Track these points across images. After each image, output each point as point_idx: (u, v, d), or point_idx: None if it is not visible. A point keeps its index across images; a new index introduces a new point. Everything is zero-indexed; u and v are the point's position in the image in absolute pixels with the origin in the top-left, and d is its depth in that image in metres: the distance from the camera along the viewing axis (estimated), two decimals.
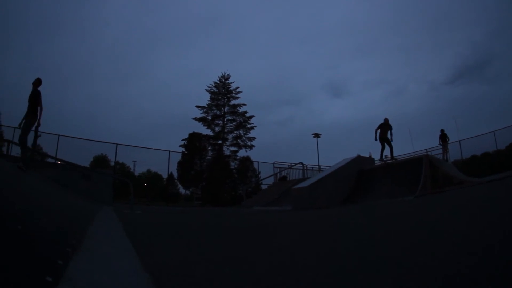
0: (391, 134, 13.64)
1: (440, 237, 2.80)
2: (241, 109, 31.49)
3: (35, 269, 1.53)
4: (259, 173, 26.52)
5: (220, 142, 30.31)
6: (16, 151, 15.63)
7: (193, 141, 28.06)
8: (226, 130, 30.86)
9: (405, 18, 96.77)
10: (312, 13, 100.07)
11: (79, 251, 2.21)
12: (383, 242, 2.94)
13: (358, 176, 12.84)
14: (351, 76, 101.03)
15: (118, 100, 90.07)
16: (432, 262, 1.97)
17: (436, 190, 9.05)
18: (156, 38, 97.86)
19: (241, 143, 30.72)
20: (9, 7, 63.72)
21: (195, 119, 30.69)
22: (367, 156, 14.62)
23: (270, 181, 22.00)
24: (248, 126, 31.32)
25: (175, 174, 27.05)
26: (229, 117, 31.36)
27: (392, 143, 13.58)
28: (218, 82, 31.87)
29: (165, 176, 23.82)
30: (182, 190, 29.89)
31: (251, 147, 30.68)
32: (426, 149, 22.66)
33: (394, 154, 13.77)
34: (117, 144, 18.84)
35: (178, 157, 25.40)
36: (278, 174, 21.58)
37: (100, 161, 25.02)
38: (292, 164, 21.77)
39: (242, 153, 30.30)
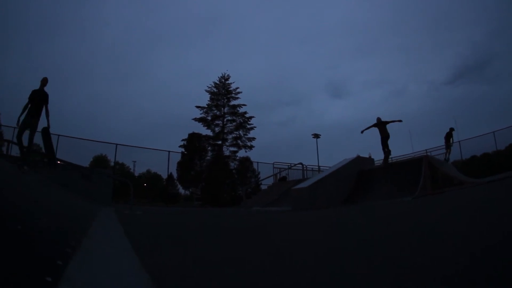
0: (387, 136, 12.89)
1: (439, 237, 2.81)
2: (241, 110, 31.52)
3: (34, 269, 1.53)
4: (259, 173, 26.51)
5: (219, 142, 30.29)
6: (16, 151, 15.64)
7: (193, 142, 28.05)
8: (226, 131, 30.84)
9: (406, 18, 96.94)
10: (312, 13, 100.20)
11: (79, 252, 2.21)
12: (382, 243, 2.94)
13: (357, 176, 12.84)
14: (351, 76, 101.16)
15: (118, 100, 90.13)
16: (430, 263, 1.97)
17: (436, 191, 9.06)
18: (156, 38, 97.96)
19: (240, 143, 30.71)
20: (9, 7, 63.68)
21: (195, 119, 30.69)
22: (367, 156, 14.62)
23: (270, 181, 21.98)
24: (248, 126, 31.30)
25: (175, 175, 27.04)
26: (229, 118, 31.34)
27: (389, 147, 12.88)
28: (218, 82, 31.88)
29: (164, 176, 23.82)
30: (181, 191, 29.88)
31: (251, 147, 30.67)
32: (426, 150, 22.69)
33: (392, 155, 13.67)
34: (116, 144, 18.84)
35: (178, 157, 25.41)
36: (278, 174, 21.58)
37: (100, 161, 25.02)
38: (292, 165, 21.77)
39: (241, 153, 30.30)
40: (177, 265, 2.49)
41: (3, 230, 1.85)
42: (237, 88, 31.78)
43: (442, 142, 17.53)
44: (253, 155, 29.71)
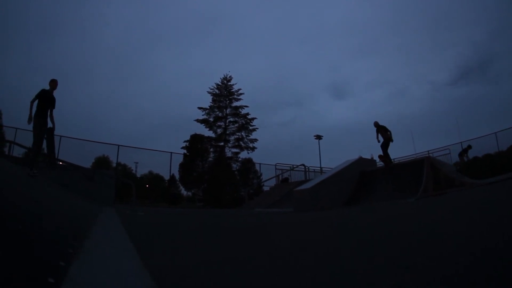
0: (389, 139, 12.59)
1: (440, 238, 2.80)
2: (243, 111, 31.56)
3: (37, 270, 1.54)
4: (261, 174, 26.50)
5: (222, 143, 30.34)
6: (17, 151, 15.68)
7: (195, 143, 28.09)
8: (228, 132, 30.90)
9: (406, 18, 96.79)
10: (313, 13, 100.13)
11: (81, 252, 2.22)
12: (382, 243, 2.94)
13: (360, 177, 12.82)
14: (353, 77, 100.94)
15: (120, 101, 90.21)
16: (430, 263, 1.97)
17: (438, 192, 9.04)
18: (157, 38, 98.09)
19: (243, 144, 30.75)
20: (9, 7, 63.94)
21: (197, 120, 30.82)
22: (369, 157, 14.60)
23: (272, 183, 22.00)
24: (250, 127, 31.35)
25: (177, 176, 27.07)
26: (231, 119, 31.40)
27: (388, 148, 12.57)
28: (220, 83, 31.96)
29: (167, 177, 23.85)
30: (184, 192, 29.90)
31: (253, 148, 30.71)
32: (428, 151, 22.65)
33: (394, 156, 13.60)
34: (118, 145, 18.88)
35: (180, 158, 25.42)
36: (280, 176, 21.58)
37: (102, 162, 25.05)
38: (294, 166, 21.77)
39: (244, 154, 30.35)
40: (179, 265, 2.50)
41: (4, 230, 1.87)
42: (239, 89, 31.90)
43: (444, 143, 17.53)
44: (255, 156, 29.68)
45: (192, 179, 26.75)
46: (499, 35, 75.08)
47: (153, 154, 21.44)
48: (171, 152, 21.59)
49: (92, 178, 12.21)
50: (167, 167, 21.43)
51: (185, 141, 28.61)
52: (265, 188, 22.98)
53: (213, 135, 30.56)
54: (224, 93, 31.74)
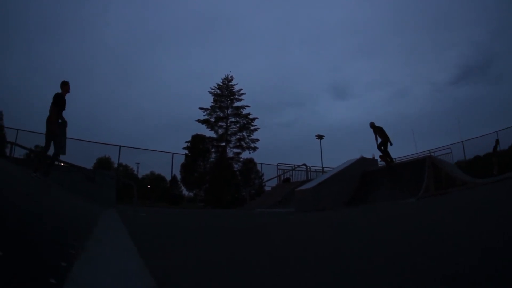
0: (387, 139, 12.41)
1: (440, 238, 2.81)
2: (244, 111, 31.56)
3: (38, 271, 1.55)
4: (263, 175, 26.51)
5: (223, 144, 30.36)
6: (19, 153, 15.69)
7: (197, 143, 28.11)
8: (229, 132, 30.90)
9: (407, 19, 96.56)
10: (314, 14, 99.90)
11: (83, 253, 2.23)
12: (383, 243, 2.95)
13: (361, 177, 12.81)
14: (354, 77, 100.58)
15: (121, 101, 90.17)
16: (430, 263, 1.98)
17: (439, 192, 9.02)
18: (158, 38, 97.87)
19: (244, 145, 30.74)
20: (9, 7, 64.03)
21: (199, 121, 30.82)
22: (370, 157, 14.59)
23: (274, 183, 22.01)
24: (252, 128, 31.35)
25: (179, 176, 27.09)
26: (233, 119, 31.40)
27: (387, 147, 12.37)
28: (221, 84, 31.96)
29: (168, 178, 23.90)
30: (185, 192, 29.93)
31: (255, 149, 30.70)
32: (430, 150, 22.61)
33: (395, 156, 13.52)
34: (120, 146, 18.92)
35: (182, 159, 25.44)
36: (282, 176, 21.59)
37: (104, 163, 25.08)
38: (296, 166, 21.77)
39: (245, 155, 30.34)
40: (179, 265, 2.51)
41: (5, 231, 1.88)
42: (241, 89, 31.88)
43: (445, 142, 17.43)
44: (256, 156, 29.67)
45: (193, 180, 26.76)
46: (499, 35, 74.94)
47: (154, 154, 21.51)
48: (173, 153, 21.66)
49: (93, 179, 12.24)
50: (169, 167, 21.51)
51: (186, 142, 28.69)
52: (267, 188, 22.98)
53: (214, 135, 30.60)
54: (225, 93, 31.74)
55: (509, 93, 60.20)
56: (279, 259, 2.62)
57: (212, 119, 31.05)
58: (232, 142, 30.74)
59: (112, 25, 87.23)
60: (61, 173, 11.46)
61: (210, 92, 31.67)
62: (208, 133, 30.31)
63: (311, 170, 22.06)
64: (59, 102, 7.31)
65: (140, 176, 26.41)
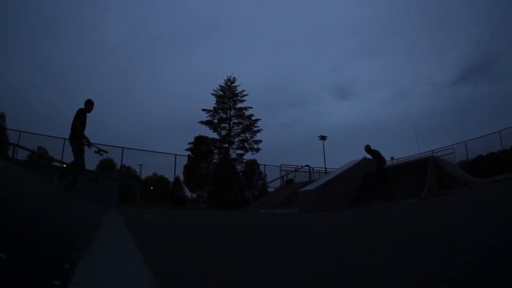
0: (383, 163, 11.50)
1: (440, 238, 2.81)
2: (247, 112, 31.56)
3: (42, 272, 1.57)
4: (266, 176, 26.51)
5: (226, 145, 30.36)
6: (21, 154, 15.75)
7: (199, 145, 28.12)
8: (232, 133, 30.89)
9: (408, 19, 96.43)
10: (315, 14, 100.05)
11: (86, 255, 2.25)
12: (383, 244, 2.95)
13: (364, 178, 12.81)
14: (356, 77, 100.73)
15: (124, 103, 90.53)
16: (430, 263, 1.98)
17: (442, 192, 9.00)
18: (160, 40, 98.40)
19: (247, 146, 30.73)
20: (9, 7, 64.34)
21: (201, 122, 30.84)
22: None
23: (277, 184, 22.03)
24: (254, 129, 31.32)
25: (182, 178, 27.11)
26: (235, 120, 31.42)
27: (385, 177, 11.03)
28: (224, 85, 31.97)
29: (171, 179, 23.93)
30: (188, 194, 29.96)
31: (258, 150, 30.68)
32: (432, 150, 22.54)
33: (398, 156, 13.36)
34: (123, 147, 19.00)
35: (184, 160, 25.49)
36: (285, 177, 21.59)
37: (107, 164, 25.19)
38: (299, 167, 21.76)
39: (248, 156, 30.34)
40: (181, 265, 2.52)
41: (8, 233, 1.89)
42: (243, 90, 31.87)
43: (447, 142, 17.30)
44: (259, 157, 29.66)
45: (196, 181, 26.78)
46: (500, 34, 74.66)
47: (157, 156, 21.59)
48: (176, 154, 21.72)
49: (96, 180, 12.29)
50: (172, 169, 21.57)
51: (189, 143, 28.68)
52: (270, 189, 23.00)
53: (217, 136, 30.62)
54: (228, 94, 31.74)
55: (510, 92, 59.95)
56: (279, 259, 2.63)
57: (215, 121, 31.07)
58: (235, 143, 30.76)
59: (112, 25, 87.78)
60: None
61: (212, 94, 31.72)
62: (211, 134, 30.38)
63: (314, 171, 22.06)
64: (83, 117, 7.40)
65: (143, 177, 26.51)
